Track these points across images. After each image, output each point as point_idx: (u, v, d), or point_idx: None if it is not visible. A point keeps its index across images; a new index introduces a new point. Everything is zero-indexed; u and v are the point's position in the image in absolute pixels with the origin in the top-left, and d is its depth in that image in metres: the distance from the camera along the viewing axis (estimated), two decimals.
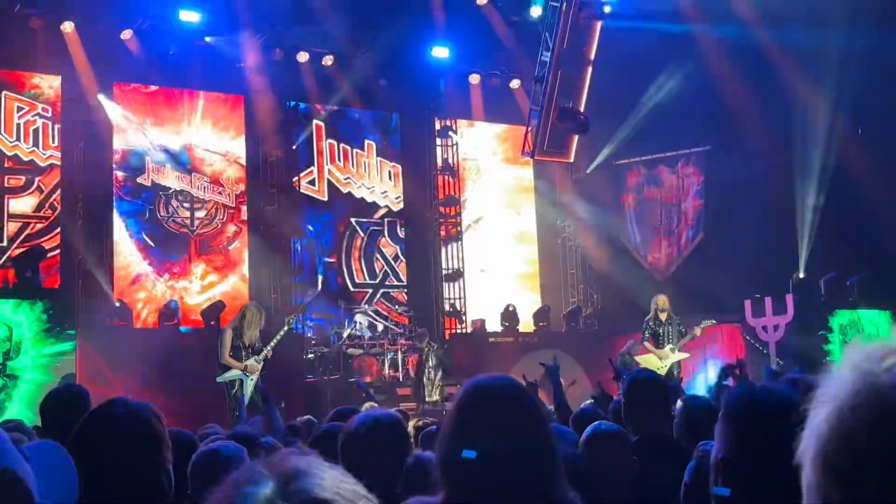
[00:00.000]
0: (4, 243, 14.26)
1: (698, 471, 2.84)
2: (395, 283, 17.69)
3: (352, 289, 17.19)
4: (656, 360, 12.35)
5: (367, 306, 16.83)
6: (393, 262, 17.71)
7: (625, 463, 3.70)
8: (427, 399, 13.82)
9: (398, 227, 17.85)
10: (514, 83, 18.14)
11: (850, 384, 1.01)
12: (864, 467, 0.96)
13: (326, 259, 17.07)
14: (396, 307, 17.39)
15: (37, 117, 14.64)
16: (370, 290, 17.31)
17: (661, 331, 12.72)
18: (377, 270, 17.53)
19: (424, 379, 14.07)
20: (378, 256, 17.60)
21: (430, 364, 14.17)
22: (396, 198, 17.83)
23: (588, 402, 7.10)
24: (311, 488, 1.00)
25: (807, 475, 1.04)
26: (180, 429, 4.16)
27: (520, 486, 1.97)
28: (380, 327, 16.14)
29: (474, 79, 18.12)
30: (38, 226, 14.59)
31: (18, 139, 14.48)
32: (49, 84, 14.93)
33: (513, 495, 1.97)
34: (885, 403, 0.98)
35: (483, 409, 2.03)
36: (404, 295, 17.72)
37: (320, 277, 16.94)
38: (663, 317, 12.81)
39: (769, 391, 1.97)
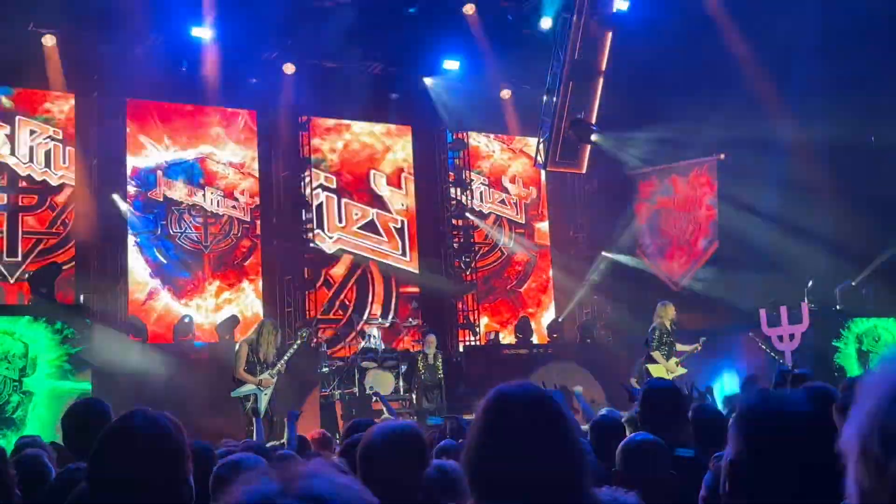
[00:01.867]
0: (19, 258, 14.48)
1: (715, 482, 2.82)
2: (405, 290, 17.74)
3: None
4: (665, 373, 12.16)
5: (381, 320, 16.86)
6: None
7: (663, 474, 3.65)
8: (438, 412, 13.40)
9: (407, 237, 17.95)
10: (527, 95, 18.12)
11: (892, 377, 1.03)
12: (892, 454, 0.97)
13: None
14: (410, 320, 17.42)
15: (48, 140, 14.94)
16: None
17: (666, 340, 12.56)
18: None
19: (433, 391, 13.78)
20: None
21: (440, 374, 13.94)
22: (406, 208, 17.99)
23: (603, 410, 7.05)
24: (312, 486, 1.01)
25: (848, 464, 1.06)
26: (196, 440, 4.15)
27: (550, 493, 1.98)
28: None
29: (486, 91, 18.13)
30: (51, 241, 14.81)
31: (31, 160, 14.81)
32: (59, 108, 15.13)
33: (544, 501, 1.97)
34: None
35: (510, 417, 2.04)
36: (413, 300, 17.81)
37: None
38: (671, 327, 12.65)
39: (781, 398, 1.99)
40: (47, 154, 14.88)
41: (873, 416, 1.02)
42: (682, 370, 12.53)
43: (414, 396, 14.32)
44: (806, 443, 1.85)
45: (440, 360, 14.26)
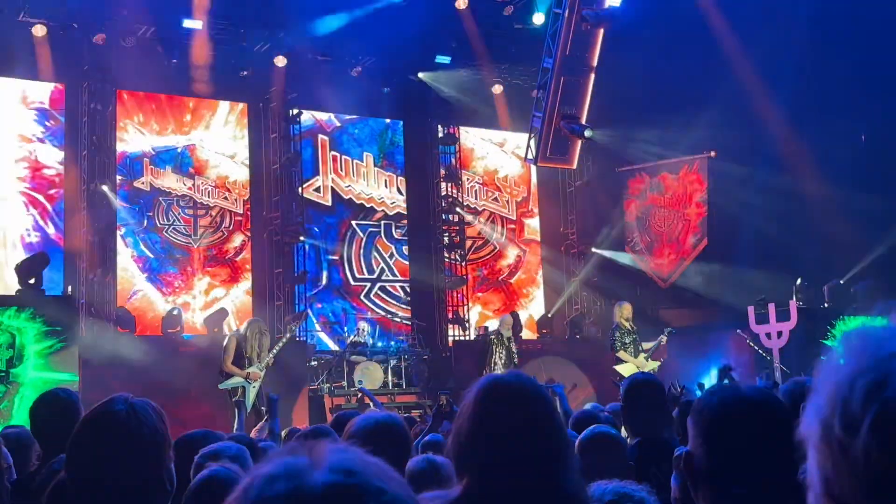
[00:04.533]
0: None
1: (683, 481, 2.84)
2: (391, 277, 17.88)
3: (352, 283, 17.50)
4: (636, 370, 12.19)
5: (370, 313, 16.88)
6: (389, 260, 17.93)
7: (618, 466, 3.69)
8: None
9: (394, 229, 18.00)
10: (519, 91, 18.12)
11: (851, 360, 1.02)
12: (856, 435, 0.97)
13: (330, 257, 17.29)
14: (399, 314, 17.47)
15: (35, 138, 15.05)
16: (369, 284, 17.62)
17: (628, 339, 12.68)
18: (375, 267, 17.80)
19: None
20: (376, 254, 17.84)
21: (516, 359, 13.48)
22: (392, 203, 18.03)
23: (588, 405, 7.09)
24: (342, 459, 1.01)
25: (809, 452, 1.05)
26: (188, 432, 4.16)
27: (539, 477, 2.03)
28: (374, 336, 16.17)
29: (478, 86, 18.11)
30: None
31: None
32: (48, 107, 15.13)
33: (533, 485, 2.02)
34: (883, 372, 0.99)
35: (500, 403, 2.10)
36: (399, 288, 17.92)
37: (325, 273, 17.23)
38: (629, 326, 12.76)
39: (733, 389, 2.04)
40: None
41: (833, 399, 1.02)
42: (652, 364, 12.65)
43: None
44: (757, 430, 1.91)
45: (514, 343, 13.74)
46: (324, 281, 17.21)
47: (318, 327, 16.64)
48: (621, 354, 12.53)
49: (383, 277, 17.81)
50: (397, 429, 3.13)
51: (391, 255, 17.97)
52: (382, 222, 17.95)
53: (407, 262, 17.99)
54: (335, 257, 17.40)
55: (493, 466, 2.04)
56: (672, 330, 13.27)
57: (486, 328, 15.66)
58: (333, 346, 16.33)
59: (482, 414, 2.11)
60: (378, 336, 16.50)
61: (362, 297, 17.45)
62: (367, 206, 17.84)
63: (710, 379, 14.44)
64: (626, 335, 12.64)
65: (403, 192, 18.16)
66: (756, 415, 1.96)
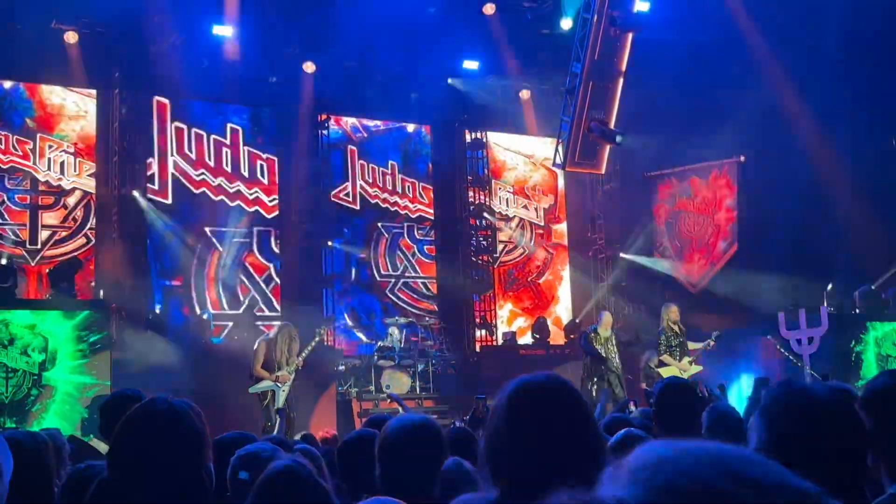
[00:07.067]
0: (38, 246, 14.93)
1: None
2: (414, 274, 18.02)
3: (378, 279, 17.70)
4: (678, 373, 12.12)
5: (400, 318, 16.87)
6: (412, 258, 18.07)
7: None
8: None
9: (416, 230, 18.11)
10: (546, 96, 18.09)
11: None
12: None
13: (358, 256, 17.53)
14: (427, 319, 17.49)
15: (63, 153, 15.33)
16: (393, 280, 17.80)
17: (675, 342, 12.56)
18: (398, 264, 17.97)
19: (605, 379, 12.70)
20: (399, 253, 18.00)
21: (616, 361, 12.91)
22: (415, 207, 18.09)
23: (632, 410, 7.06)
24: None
25: None
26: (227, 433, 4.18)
27: (571, 478, 2.00)
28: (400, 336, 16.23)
29: (505, 91, 18.12)
30: (64, 233, 15.16)
31: (49, 169, 15.22)
32: (72, 128, 15.36)
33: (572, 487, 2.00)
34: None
35: (533, 404, 2.06)
36: (421, 284, 18.04)
37: (353, 271, 17.45)
38: (677, 329, 12.64)
39: (803, 389, 2.03)
40: (62, 164, 15.27)
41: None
42: (696, 368, 12.54)
43: (593, 387, 12.63)
44: (826, 430, 1.91)
45: (615, 343, 13.03)
46: (353, 277, 17.45)
47: (347, 320, 16.74)
48: (665, 358, 12.43)
49: (406, 274, 17.98)
50: (433, 431, 3.13)
51: (413, 254, 18.12)
52: (405, 224, 18.12)
53: (428, 260, 18.16)
54: (363, 256, 17.58)
55: (528, 468, 2.00)
56: (719, 333, 12.98)
57: (582, 327, 15.32)
58: (363, 338, 16.60)
59: (515, 415, 2.07)
60: (407, 339, 16.49)
61: (388, 291, 17.64)
62: (392, 209, 17.98)
63: (738, 385, 14.39)
64: (674, 338, 12.52)
65: (426, 197, 18.22)
66: (821, 410, 1.96)
